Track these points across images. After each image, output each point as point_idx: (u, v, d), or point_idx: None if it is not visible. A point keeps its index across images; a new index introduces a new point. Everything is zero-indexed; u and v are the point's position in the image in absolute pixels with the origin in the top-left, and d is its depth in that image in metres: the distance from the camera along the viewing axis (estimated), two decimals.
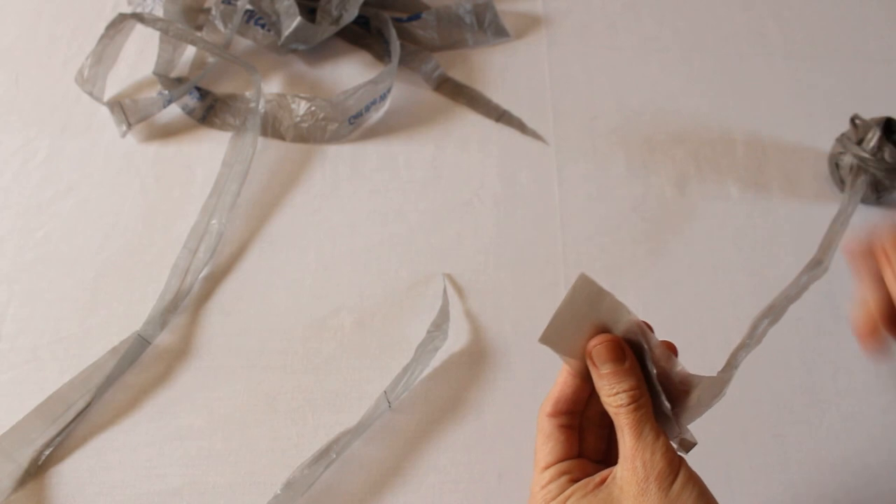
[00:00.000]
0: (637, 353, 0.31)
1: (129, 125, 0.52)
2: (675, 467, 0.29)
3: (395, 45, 0.55)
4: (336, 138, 0.53)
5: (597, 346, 0.31)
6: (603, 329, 0.31)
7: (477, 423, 0.41)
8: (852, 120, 0.50)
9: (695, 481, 0.29)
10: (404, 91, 0.56)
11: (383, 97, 0.53)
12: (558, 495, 0.31)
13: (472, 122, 0.54)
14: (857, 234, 0.48)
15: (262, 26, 0.57)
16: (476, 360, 0.44)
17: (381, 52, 0.58)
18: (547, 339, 0.31)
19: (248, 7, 0.57)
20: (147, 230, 0.48)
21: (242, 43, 0.59)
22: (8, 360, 0.43)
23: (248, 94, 0.54)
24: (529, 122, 0.54)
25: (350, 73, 0.57)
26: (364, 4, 0.57)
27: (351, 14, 0.56)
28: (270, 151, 0.52)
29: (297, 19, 0.54)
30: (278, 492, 0.38)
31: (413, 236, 0.48)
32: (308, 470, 0.38)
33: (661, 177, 0.52)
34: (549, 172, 0.52)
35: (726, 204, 0.51)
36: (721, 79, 0.58)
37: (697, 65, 0.58)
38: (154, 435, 0.41)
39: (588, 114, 0.55)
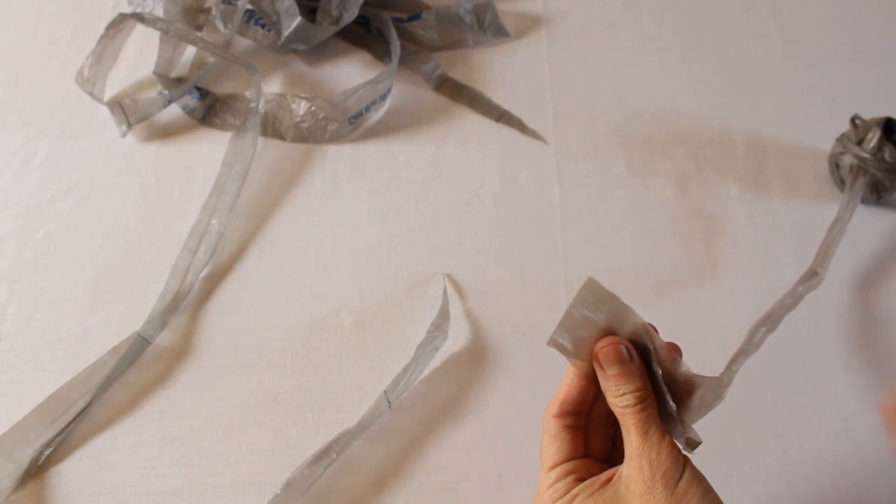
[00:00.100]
0: (643, 355, 0.32)
1: (129, 125, 0.52)
2: (681, 466, 0.30)
3: (396, 45, 0.55)
4: (336, 138, 0.53)
5: (603, 348, 0.31)
6: (609, 331, 0.32)
7: (477, 423, 0.41)
8: (852, 120, 0.50)
9: (700, 480, 0.30)
10: (404, 91, 0.56)
11: (383, 97, 0.53)
12: (565, 494, 0.31)
13: (472, 122, 0.54)
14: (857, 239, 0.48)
15: (263, 26, 0.57)
16: (476, 360, 0.44)
17: (381, 52, 0.58)
18: (554, 342, 0.32)
19: (249, 7, 0.57)
20: (147, 230, 0.48)
21: (242, 43, 0.59)
22: (8, 360, 0.43)
23: (248, 94, 0.54)
24: (529, 122, 0.54)
25: (350, 73, 0.57)
26: (364, 4, 0.57)
27: (351, 14, 0.56)
28: (270, 151, 0.52)
29: (298, 19, 0.54)
30: (278, 492, 0.38)
31: (413, 236, 0.48)
32: (308, 470, 0.38)
33: (661, 177, 0.52)
34: (549, 172, 0.52)
35: (726, 204, 0.51)
36: (721, 79, 0.58)
37: (697, 65, 0.58)
38: (154, 435, 0.41)
39: (588, 114, 0.55)
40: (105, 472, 0.39)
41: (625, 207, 0.50)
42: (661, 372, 0.32)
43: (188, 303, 0.45)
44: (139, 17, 0.52)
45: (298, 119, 0.53)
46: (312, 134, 0.53)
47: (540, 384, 0.43)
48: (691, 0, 0.63)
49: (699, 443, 0.32)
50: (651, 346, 0.32)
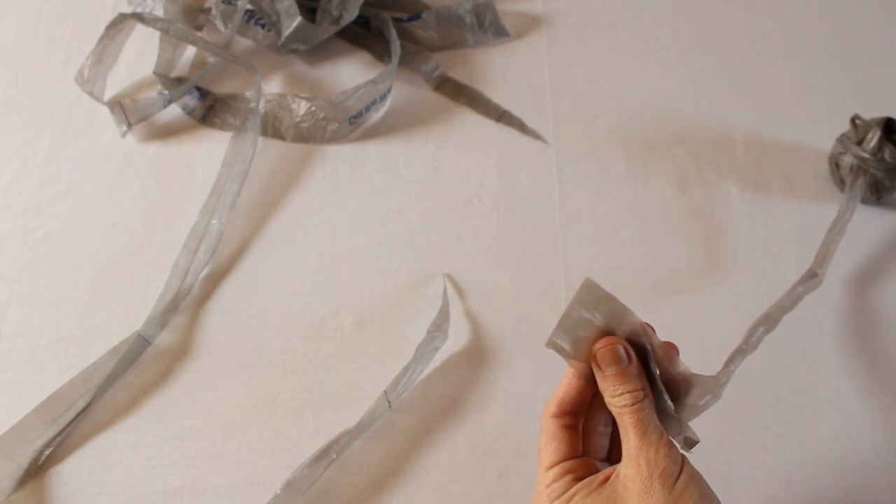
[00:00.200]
0: (640, 355, 0.32)
1: (129, 125, 0.52)
2: (679, 465, 0.30)
3: (396, 45, 0.55)
4: (336, 138, 0.53)
5: (601, 349, 0.31)
6: (607, 332, 0.32)
7: (477, 423, 0.41)
8: (852, 120, 0.50)
9: (697, 479, 0.30)
10: (404, 91, 0.56)
11: (383, 97, 0.53)
12: (563, 494, 0.32)
13: (472, 122, 0.54)
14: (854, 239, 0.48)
15: (263, 26, 0.57)
16: (476, 360, 0.44)
17: (381, 52, 0.58)
18: (553, 343, 0.32)
19: (249, 7, 0.57)
20: (147, 230, 0.48)
21: (242, 43, 0.59)
22: (8, 360, 0.43)
23: (248, 94, 0.54)
24: (529, 122, 0.54)
25: (350, 73, 0.57)
26: (364, 4, 0.57)
27: (351, 14, 0.56)
28: (270, 151, 0.52)
29: (298, 19, 0.54)
30: (278, 492, 0.38)
31: (413, 236, 0.48)
32: (308, 470, 0.38)
33: (661, 177, 0.52)
34: (549, 172, 0.52)
35: (726, 204, 0.51)
36: (721, 79, 0.58)
37: (697, 65, 0.58)
38: (154, 435, 0.41)
39: (588, 114, 0.55)
40: (105, 472, 0.39)
41: (625, 207, 0.50)
42: (658, 371, 0.32)
43: (188, 303, 0.45)
44: (139, 17, 0.52)
45: (298, 119, 0.53)
46: (312, 134, 0.53)
47: (540, 384, 0.43)
48: (691, 0, 0.63)
49: (697, 442, 0.32)
50: (648, 346, 0.32)
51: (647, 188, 0.51)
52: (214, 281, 0.46)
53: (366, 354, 0.44)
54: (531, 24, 0.61)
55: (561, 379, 0.34)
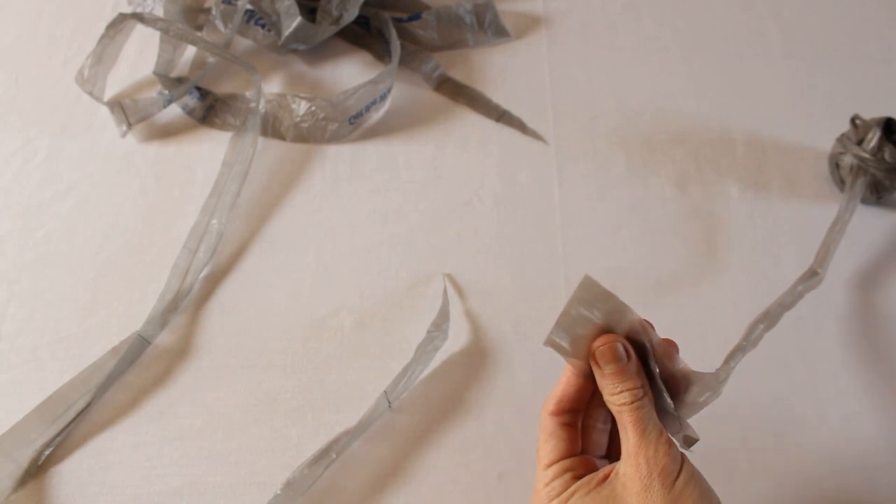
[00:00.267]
0: (639, 352, 0.32)
1: (129, 125, 0.52)
2: (678, 464, 0.30)
3: (396, 45, 0.55)
4: (336, 138, 0.53)
5: (600, 346, 0.31)
6: (606, 329, 0.32)
7: (477, 423, 0.41)
8: (852, 120, 0.50)
9: (697, 478, 0.30)
10: (404, 91, 0.56)
11: (383, 97, 0.53)
12: (562, 492, 0.31)
13: (472, 122, 0.54)
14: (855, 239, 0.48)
15: (263, 26, 0.57)
16: (476, 360, 0.44)
17: (381, 52, 0.58)
18: (551, 342, 0.32)
19: (249, 7, 0.57)
20: (147, 230, 0.48)
21: (242, 43, 0.59)
22: (8, 360, 0.43)
23: (248, 94, 0.54)
24: (529, 122, 0.54)
25: (350, 73, 0.57)
26: (364, 4, 0.57)
27: (351, 14, 0.56)
28: (270, 151, 0.52)
29: (298, 19, 0.54)
30: (278, 492, 0.38)
31: (413, 236, 0.48)
32: (308, 470, 0.38)
33: (661, 177, 0.52)
34: (549, 172, 0.52)
35: (726, 204, 0.51)
36: (721, 79, 0.58)
37: (697, 65, 0.58)
38: (154, 435, 0.41)
39: (588, 114, 0.55)
40: (105, 472, 0.39)
41: (625, 207, 0.50)
42: (658, 369, 0.32)
43: (188, 303, 0.45)
44: (139, 17, 0.52)
45: (298, 119, 0.53)
46: (312, 134, 0.53)
47: (540, 384, 0.43)
48: (691, 0, 0.63)
49: (696, 440, 0.32)
50: (648, 343, 0.32)
51: (647, 188, 0.51)
52: (214, 281, 0.46)
53: (366, 354, 0.44)
54: (531, 24, 0.61)
55: (560, 377, 0.34)
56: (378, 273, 0.47)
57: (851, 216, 0.47)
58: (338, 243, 0.48)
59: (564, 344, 0.32)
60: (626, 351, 0.31)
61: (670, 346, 0.32)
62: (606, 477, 0.31)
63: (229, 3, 0.57)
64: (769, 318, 0.40)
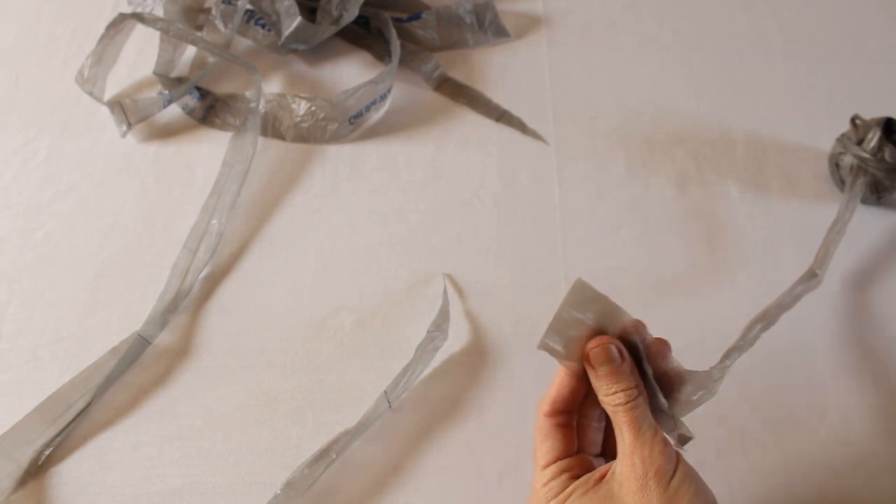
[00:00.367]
0: (633, 352, 0.32)
1: (129, 125, 0.52)
2: (673, 463, 0.30)
3: (396, 45, 0.55)
4: (336, 138, 0.53)
5: (594, 348, 0.31)
6: (599, 331, 0.32)
7: (477, 423, 0.41)
8: (852, 120, 0.50)
9: (692, 477, 0.30)
10: (404, 91, 0.56)
11: (383, 97, 0.53)
12: (560, 493, 0.32)
13: (472, 122, 0.54)
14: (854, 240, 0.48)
15: (263, 26, 0.57)
16: (476, 360, 0.44)
17: (381, 52, 0.58)
18: (545, 345, 0.32)
19: (249, 7, 0.57)
20: (147, 230, 0.48)
21: (242, 43, 0.59)
22: (8, 360, 0.43)
23: (248, 94, 0.54)
24: (529, 122, 0.54)
25: (350, 73, 0.57)
26: (364, 4, 0.57)
27: (351, 14, 0.56)
28: (270, 151, 0.52)
29: (298, 19, 0.54)
30: (278, 492, 0.38)
31: (413, 236, 0.48)
32: (308, 470, 0.38)
33: (661, 177, 0.52)
34: (549, 172, 0.52)
35: (726, 204, 0.51)
36: (721, 79, 0.58)
37: (697, 65, 0.58)
38: (154, 435, 0.41)
39: (588, 114, 0.55)
40: (105, 472, 0.39)
41: (625, 207, 0.50)
42: (651, 368, 0.32)
43: (188, 303, 0.45)
44: (139, 17, 0.52)
45: (298, 119, 0.53)
46: (312, 134, 0.53)
47: (540, 384, 0.43)
48: (691, 0, 0.63)
49: (690, 438, 0.32)
50: (640, 343, 0.32)
51: (647, 188, 0.51)
52: (214, 281, 0.46)
53: (366, 354, 0.44)
54: (531, 24, 0.61)
55: (553, 378, 0.34)
56: (378, 273, 0.47)
57: (851, 216, 0.47)
58: (338, 243, 0.48)
59: (558, 347, 0.32)
60: (620, 352, 0.31)
61: (663, 345, 0.32)
62: (603, 476, 0.31)
63: (229, 3, 0.57)
64: (767, 319, 0.40)
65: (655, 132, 0.54)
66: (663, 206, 0.50)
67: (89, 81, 0.53)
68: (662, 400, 0.32)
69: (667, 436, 0.31)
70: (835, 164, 0.50)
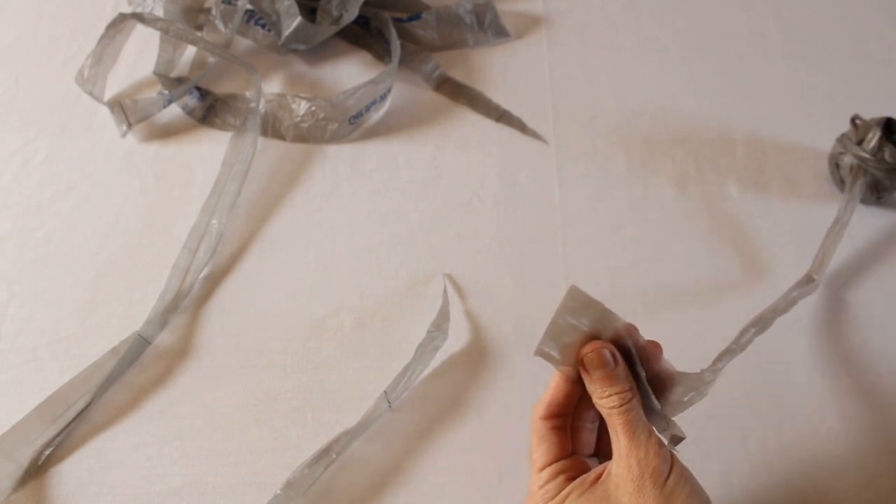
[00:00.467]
0: (626, 355, 0.33)
1: (129, 125, 0.52)
2: (668, 464, 0.31)
3: (396, 45, 0.55)
4: (336, 138, 0.53)
5: (588, 353, 0.32)
6: (593, 336, 0.32)
7: (477, 423, 0.41)
8: (852, 120, 0.50)
9: (687, 477, 0.31)
10: (404, 91, 0.56)
11: (383, 97, 0.53)
12: (557, 494, 0.32)
13: (472, 122, 0.54)
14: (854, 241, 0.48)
15: (263, 26, 0.57)
16: (476, 360, 0.44)
17: (381, 52, 0.58)
18: (541, 352, 0.32)
19: (249, 7, 0.57)
20: (147, 230, 0.48)
21: (242, 43, 0.59)
22: (8, 360, 0.43)
23: (248, 94, 0.54)
24: (529, 122, 0.54)
25: (350, 73, 0.57)
26: (364, 4, 0.57)
27: (351, 14, 0.56)
28: (270, 151, 0.52)
29: (298, 19, 0.54)
30: (278, 492, 0.38)
31: (413, 236, 0.48)
32: (308, 470, 0.38)
33: (661, 177, 0.52)
34: (549, 172, 0.52)
35: (726, 204, 0.51)
36: (721, 79, 0.58)
37: (697, 65, 0.58)
38: (154, 435, 0.41)
39: (588, 114, 0.55)
40: (105, 472, 0.39)
41: (625, 207, 0.50)
42: (644, 371, 0.33)
43: (188, 303, 0.45)
44: (139, 17, 0.52)
45: (298, 119, 0.53)
46: (312, 134, 0.53)
47: (540, 384, 0.43)
48: (691, 0, 0.63)
49: (683, 438, 0.33)
50: (633, 347, 0.32)
51: (647, 188, 0.51)
52: (214, 281, 0.46)
53: (366, 354, 0.44)
54: (531, 24, 0.61)
55: (549, 382, 0.35)
56: (378, 273, 0.47)
57: (851, 216, 0.47)
58: (338, 243, 0.48)
59: (554, 353, 0.32)
60: (614, 356, 0.32)
61: (655, 347, 0.33)
62: (598, 477, 0.32)
63: (229, 3, 0.57)
64: (761, 323, 0.41)
65: (655, 132, 0.54)
66: (663, 206, 0.50)
67: (89, 81, 0.53)
68: (656, 402, 0.33)
69: (660, 436, 0.32)
70: (835, 164, 0.50)
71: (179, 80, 0.55)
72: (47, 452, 0.40)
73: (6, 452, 0.39)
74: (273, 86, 0.56)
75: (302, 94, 0.53)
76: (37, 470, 0.39)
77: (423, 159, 0.52)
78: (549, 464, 0.33)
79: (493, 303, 0.46)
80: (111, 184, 0.50)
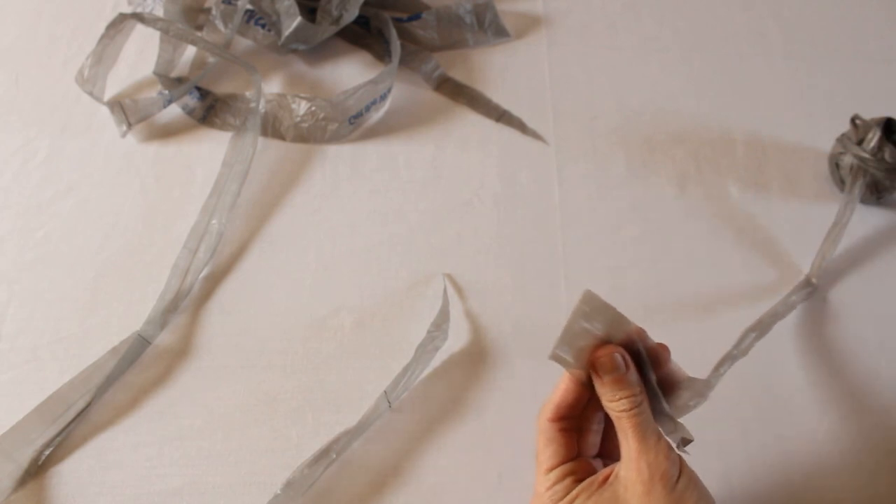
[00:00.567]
0: (636, 358, 0.33)
1: (129, 125, 0.52)
2: (678, 467, 0.31)
3: (396, 45, 0.55)
4: (336, 138, 0.53)
5: (600, 357, 0.32)
6: (606, 340, 0.32)
7: (477, 423, 0.41)
8: (852, 120, 0.50)
9: (695, 481, 0.31)
10: (404, 91, 0.56)
11: (383, 97, 0.53)
12: (565, 496, 0.32)
13: (472, 122, 0.54)
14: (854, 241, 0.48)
15: (263, 26, 0.57)
16: (476, 360, 0.44)
17: (381, 52, 0.58)
18: (556, 356, 0.33)
19: (249, 7, 0.57)
20: (147, 230, 0.48)
21: (242, 43, 0.59)
22: (8, 360, 0.43)
23: (248, 94, 0.54)
24: (529, 122, 0.54)
25: (350, 73, 0.57)
26: (364, 4, 0.57)
27: (351, 14, 0.56)
28: (270, 151, 0.52)
29: (298, 19, 0.54)
30: (278, 492, 0.38)
31: (413, 236, 0.48)
32: (308, 470, 0.38)
33: (661, 177, 0.52)
34: (549, 172, 0.52)
35: (726, 204, 0.51)
36: (721, 79, 0.58)
37: (697, 65, 0.58)
38: (154, 435, 0.41)
39: (588, 114, 0.55)
40: (105, 472, 0.39)
41: (625, 207, 0.50)
42: (654, 374, 0.33)
43: (188, 303, 0.45)
44: (139, 17, 0.52)
45: (298, 119, 0.53)
46: (312, 134, 0.53)
47: (540, 384, 0.43)
48: (691, 0, 0.63)
49: (691, 440, 0.33)
50: (643, 350, 0.33)
51: (647, 188, 0.51)
52: (214, 281, 0.46)
53: (366, 354, 0.44)
54: (531, 24, 0.61)
55: (557, 384, 0.35)
56: (378, 273, 0.47)
57: (851, 216, 0.47)
58: (338, 243, 0.48)
59: (568, 357, 0.33)
60: (625, 360, 0.32)
61: (664, 350, 0.33)
62: (606, 479, 0.32)
63: (229, 3, 0.57)
64: (761, 327, 0.41)
65: (655, 132, 0.54)
66: (663, 206, 0.50)
67: (89, 81, 0.53)
68: (665, 405, 0.33)
69: (668, 438, 0.32)
70: (835, 164, 0.50)
71: (179, 80, 0.55)
72: (47, 452, 0.40)
73: (6, 452, 0.39)
74: (273, 86, 0.56)
75: (302, 94, 0.53)
76: (37, 470, 0.39)
77: (423, 159, 0.52)
78: (557, 465, 0.33)
79: (493, 303, 0.46)
80: (111, 184, 0.50)
